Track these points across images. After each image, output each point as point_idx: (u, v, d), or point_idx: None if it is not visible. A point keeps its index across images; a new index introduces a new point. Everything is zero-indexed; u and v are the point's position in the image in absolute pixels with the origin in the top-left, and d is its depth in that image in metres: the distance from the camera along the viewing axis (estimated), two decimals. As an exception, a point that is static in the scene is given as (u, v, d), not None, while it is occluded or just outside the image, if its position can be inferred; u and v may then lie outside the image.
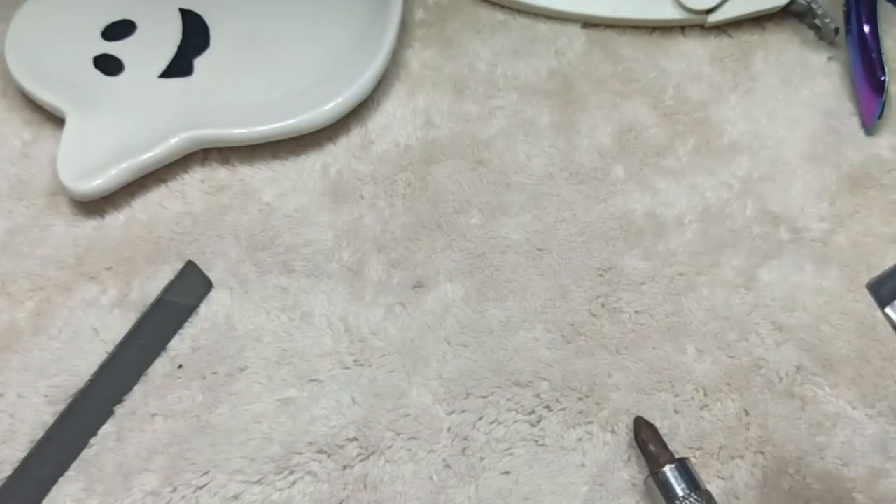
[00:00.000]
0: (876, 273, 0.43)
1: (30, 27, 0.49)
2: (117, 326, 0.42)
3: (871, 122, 0.47)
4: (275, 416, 0.40)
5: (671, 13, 0.50)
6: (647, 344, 0.41)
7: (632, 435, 0.39)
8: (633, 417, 0.39)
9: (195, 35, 0.49)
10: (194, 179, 0.46)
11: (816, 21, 0.50)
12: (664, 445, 0.38)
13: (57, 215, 0.45)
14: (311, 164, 0.47)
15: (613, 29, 0.51)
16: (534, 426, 0.40)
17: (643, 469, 0.38)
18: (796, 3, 0.50)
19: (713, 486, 0.38)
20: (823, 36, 0.51)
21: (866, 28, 0.49)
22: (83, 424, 0.39)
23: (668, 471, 0.36)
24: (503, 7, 0.52)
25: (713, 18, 0.50)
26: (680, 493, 0.36)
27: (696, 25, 0.51)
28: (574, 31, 0.51)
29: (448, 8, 0.52)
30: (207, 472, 0.38)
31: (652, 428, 0.38)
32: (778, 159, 0.47)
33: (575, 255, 0.44)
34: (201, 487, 0.38)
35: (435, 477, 0.38)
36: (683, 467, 0.37)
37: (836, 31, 0.50)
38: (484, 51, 0.50)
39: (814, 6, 0.50)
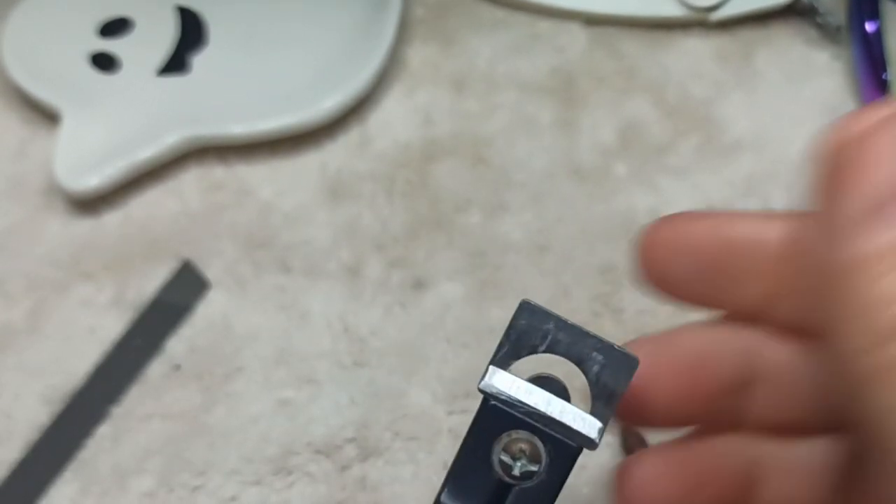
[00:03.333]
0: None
1: (26, 25, 0.48)
2: (113, 326, 0.41)
3: (874, 121, 0.47)
4: (272, 416, 0.39)
5: (674, 10, 0.50)
6: (650, 344, 0.41)
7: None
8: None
9: (193, 32, 0.49)
10: (191, 178, 0.45)
11: (819, 19, 0.50)
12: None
13: (53, 214, 0.44)
14: (309, 162, 0.46)
15: (615, 26, 0.51)
16: (535, 427, 0.39)
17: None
18: (799, 1, 0.50)
19: (716, 488, 0.38)
20: (826, 34, 0.50)
21: (869, 26, 0.48)
22: (79, 425, 0.39)
23: None
24: (503, 4, 0.51)
25: (716, 16, 0.50)
26: None
27: (699, 23, 0.51)
28: (575, 28, 0.51)
29: (448, 5, 0.52)
30: (204, 473, 0.38)
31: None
32: (781, 158, 0.47)
33: (576, 254, 0.43)
34: (198, 488, 0.38)
35: (435, 478, 0.38)
36: None
37: (839, 29, 0.50)
38: (484, 48, 0.50)
39: (816, 4, 0.50)
